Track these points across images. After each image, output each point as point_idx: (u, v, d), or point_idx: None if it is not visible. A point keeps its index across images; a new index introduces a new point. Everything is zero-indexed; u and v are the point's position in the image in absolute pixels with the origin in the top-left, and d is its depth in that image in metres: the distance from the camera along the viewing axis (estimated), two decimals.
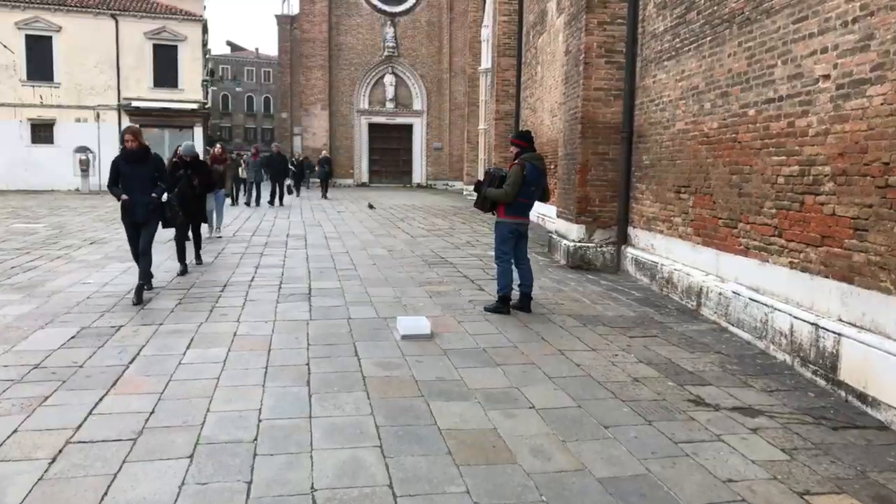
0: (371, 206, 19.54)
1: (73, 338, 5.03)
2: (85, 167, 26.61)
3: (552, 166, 13.83)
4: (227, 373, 4.24)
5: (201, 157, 12.52)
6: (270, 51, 76.07)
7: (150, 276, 6.97)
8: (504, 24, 19.68)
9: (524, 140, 6.56)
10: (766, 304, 5.19)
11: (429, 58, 37.68)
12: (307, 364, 4.45)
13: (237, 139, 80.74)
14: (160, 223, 6.91)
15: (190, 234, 8.78)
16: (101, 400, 3.72)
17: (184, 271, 8.10)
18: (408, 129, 38.45)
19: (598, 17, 9.33)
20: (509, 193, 6.10)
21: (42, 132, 27.59)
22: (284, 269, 8.50)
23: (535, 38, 17.47)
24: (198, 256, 8.96)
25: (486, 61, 28.22)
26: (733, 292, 5.77)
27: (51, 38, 27.04)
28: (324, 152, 38.03)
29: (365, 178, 38.13)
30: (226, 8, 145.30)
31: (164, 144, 29.18)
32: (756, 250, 5.55)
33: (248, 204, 20.17)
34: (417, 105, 38.26)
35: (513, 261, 6.34)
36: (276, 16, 67.66)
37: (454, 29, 37.03)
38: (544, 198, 6.58)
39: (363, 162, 38.10)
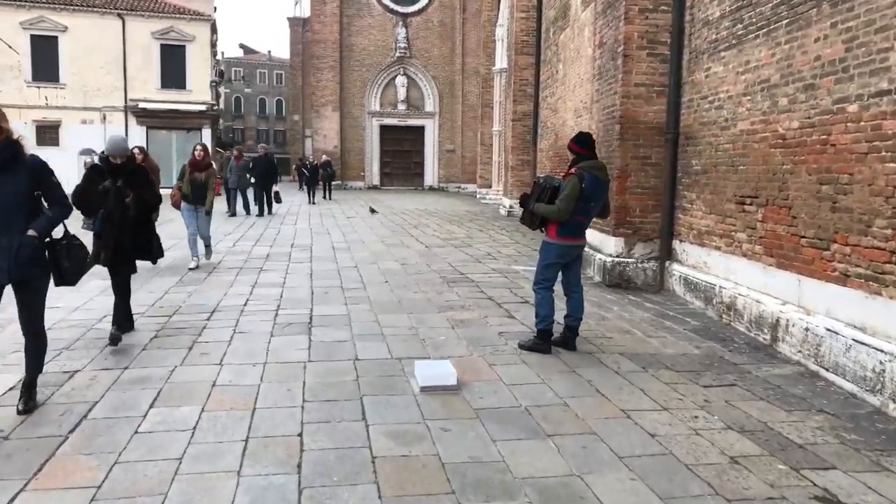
0: (373, 211, 18.51)
1: (10, 389, 4.04)
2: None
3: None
4: (193, 449, 3.23)
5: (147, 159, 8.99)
6: (283, 53, 75.68)
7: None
8: (522, 20, 18.65)
9: (583, 145, 5.31)
10: (880, 350, 4.12)
11: (441, 59, 36.73)
12: (299, 434, 3.43)
13: (249, 141, 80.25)
14: (52, 279, 4.00)
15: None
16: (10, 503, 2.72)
17: (114, 339, 5.09)
18: (420, 131, 37.52)
19: (640, 4, 8.26)
20: (563, 210, 5.01)
21: (47, 134, 26.87)
22: (284, 289, 7.51)
23: (555, 34, 16.42)
24: (128, 318, 5.55)
25: (500, 61, 27.21)
26: (827, 329, 4.70)
27: (56, 38, 26.33)
28: (324, 156, 37.43)
29: (376, 180, 37.22)
30: (238, 11, 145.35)
31: (171, 147, 28.46)
32: (860, 279, 4.49)
33: (231, 214, 17.28)
34: (430, 107, 37.31)
35: (551, 285, 5.29)
36: (289, 18, 67.43)
37: (467, 29, 36.07)
38: (604, 214, 5.51)
39: (374, 164, 37.20)
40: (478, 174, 30.46)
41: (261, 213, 17.66)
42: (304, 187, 36.51)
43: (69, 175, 28.16)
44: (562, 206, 5.02)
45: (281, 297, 7.09)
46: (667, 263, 8.16)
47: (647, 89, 8.27)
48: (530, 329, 5.63)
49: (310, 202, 22.76)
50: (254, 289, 7.51)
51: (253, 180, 18.23)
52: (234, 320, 6.00)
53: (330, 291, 7.41)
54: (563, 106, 15.59)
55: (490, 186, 28.66)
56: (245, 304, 6.69)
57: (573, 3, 14.63)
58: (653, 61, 8.24)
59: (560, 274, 5.31)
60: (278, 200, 18.88)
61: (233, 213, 17.37)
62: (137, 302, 6.27)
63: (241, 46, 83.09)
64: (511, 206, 19.02)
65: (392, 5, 35.96)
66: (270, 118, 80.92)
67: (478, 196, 29.58)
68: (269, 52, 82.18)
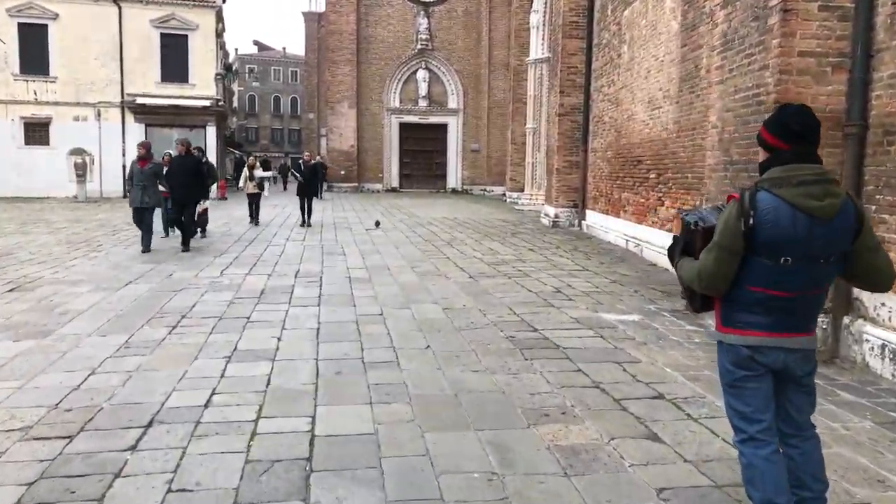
0: (377, 225, 15.21)
1: None
2: (81, 172, 23.41)
3: (667, 183, 9.94)
4: None
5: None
6: (298, 50, 73.46)
7: None
8: None
9: (786, 133, 2.42)
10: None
11: (466, 51, 34.08)
12: None
13: (264, 140, 78.08)
14: None
15: None
16: None
17: None
18: (442, 129, 34.90)
19: None
20: (705, 271, 2.46)
21: (36, 132, 24.58)
22: (275, 365, 4.90)
23: (617, 11, 13.70)
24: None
25: (535, 51, 24.50)
26: None
27: (46, 26, 24.02)
28: (318, 157, 35.73)
29: (395, 182, 34.64)
30: (253, 6, 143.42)
31: (172, 146, 25.99)
32: None
33: (145, 249, 10.65)
34: (453, 103, 34.68)
35: (758, 432, 2.56)
36: (304, 13, 64.94)
37: (494, 19, 33.40)
38: (860, 277, 2.70)
39: (393, 165, 34.62)
40: (508, 176, 27.79)
41: (185, 247, 10.90)
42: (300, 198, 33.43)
43: (58, 176, 25.91)
44: (703, 264, 2.45)
45: (267, 385, 4.46)
46: (848, 321, 5.45)
47: (817, 61, 5.54)
48: (707, 477, 3.01)
49: (303, 223, 15.47)
50: (228, 364, 4.90)
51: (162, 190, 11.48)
52: (176, 450, 3.38)
53: (345, 370, 4.78)
54: (628, 97, 12.87)
55: (522, 190, 25.96)
56: (206, 405, 4.07)
57: None
58: (827, 18, 5.51)
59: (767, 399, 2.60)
60: (203, 225, 12.57)
61: (145, 246, 10.71)
62: (45, 386, 3.70)
63: (255, 43, 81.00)
64: (556, 216, 16.33)
65: None
66: (285, 117, 78.79)
67: (508, 200, 26.90)
68: (284, 48, 79.98)
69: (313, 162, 31.31)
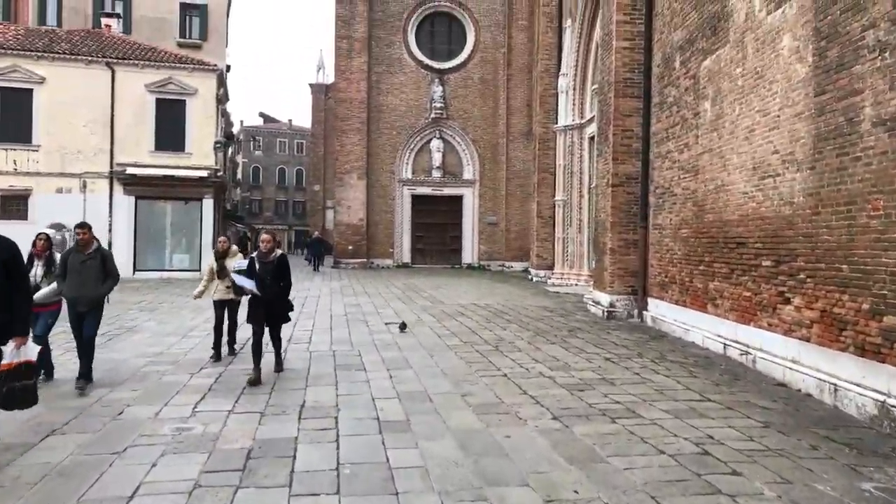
0: (403, 328, 11.26)
1: None
2: (59, 250, 20.78)
3: (796, 274, 6.81)
4: None
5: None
6: (304, 122, 72.73)
7: None
8: (625, 51, 13.71)
9: None
10: None
11: (482, 120, 32.21)
12: None
13: (268, 212, 76.38)
14: None
15: None
16: None
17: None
18: (457, 200, 32.65)
19: None
20: None
21: (14, 205, 22.20)
22: None
23: (688, 63, 11.41)
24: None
25: (564, 117, 22.43)
26: None
27: (31, 91, 21.98)
28: (315, 233, 35.37)
29: (407, 257, 32.11)
30: (260, 78, 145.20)
31: (165, 220, 23.71)
32: None
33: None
34: (468, 173, 32.55)
35: None
36: (311, 84, 64.46)
37: (512, 87, 31.64)
38: None
39: (405, 239, 32.17)
40: (533, 252, 25.22)
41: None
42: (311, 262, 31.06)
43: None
44: None
45: None
46: None
47: None
48: None
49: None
50: None
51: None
52: None
53: None
54: (714, 163, 10.37)
55: (551, 268, 23.37)
56: None
57: (739, 7, 9.62)
58: None
59: None
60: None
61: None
62: None
63: (261, 115, 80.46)
64: (612, 305, 13.61)
65: (427, 61, 31.72)
66: (290, 188, 77.38)
67: (534, 279, 24.27)
68: (290, 120, 79.37)
69: (313, 237, 29.13)
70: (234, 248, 9.11)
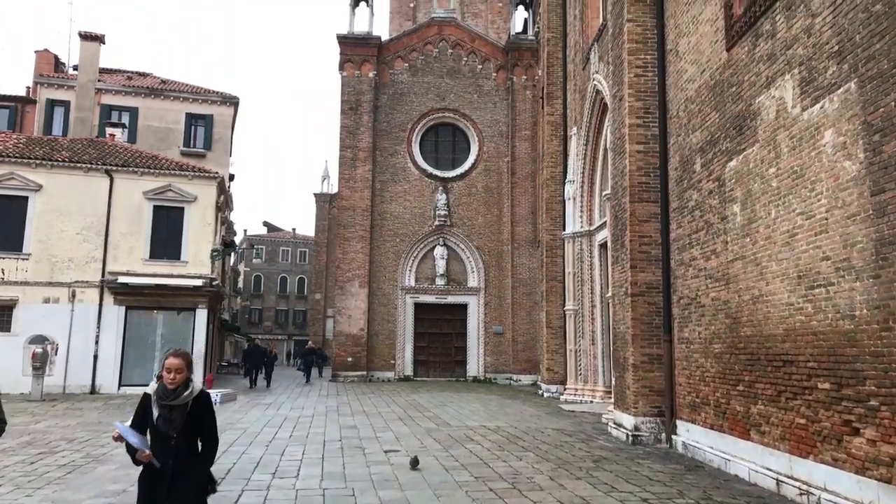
0: (415, 464, 9.45)
1: None
2: (39, 364, 19.55)
3: (865, 400, 5.70)
4: None
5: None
6: (308, 231, 73.10)
7: None
8: (640, 155, 13.11)
9: None
10: None
11: (486, 227, 31.74)
12: None
13: (267, 322, 75.21)
14: None
15: None
16: None
17: None
18: (461, 309, 31.60)
19: None
20: None
21: None
22: None
23: (710, 165, 10.69)
24: None
25: (572, 224, 21.77)
26: None
27: (26, 198, 21.52)
28: (310, 343, 34.47)
29: (409, 370, 30.65)
30: (266, 189, 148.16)
31: (156, 332, 22.61)
32: None
33: None
34: (473, 281, 31.68)
35: None
36: (315, 194, 65.15)
37: (516, 195, 31.42)
38: None
39: (407, 350, 30.85)
40: (544, 366, 23.86)
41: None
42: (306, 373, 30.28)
43: (15, 369, 21.88)
44: None
45: None
46: None
47: None
48: None
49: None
50: None
51: None
52: None
53: None
54: (749, 270, 9.38)
55: (563, 382, 21.95)
56: None
57: (767, 105, 8.97)
58: None
59: None
60: None
61: None
62: None
63: (265, 224, 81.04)
64: (637, 429, 12.22)
65: (431, 169, 31.66)
66: (291, 297, 76.62)
67: (544, 394, 22.78)
68: (294, 229, 79.86)
69: (307, 347, 28.14)
70: (197, 384, 4.66)
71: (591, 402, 19.53)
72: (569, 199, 22.11)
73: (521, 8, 33.20)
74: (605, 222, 18.79)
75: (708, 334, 10.75)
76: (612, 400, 14.86)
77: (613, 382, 14.59)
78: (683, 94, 12.02)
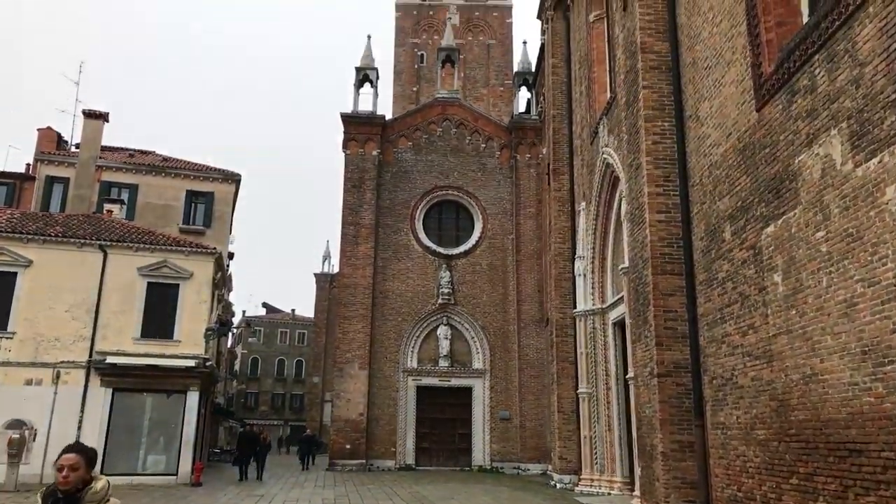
0: None
1: None
2: (15, 451, 18.17)
3: None
4: None
5: None
6: (308, 311, 71.96)
7: None
8: (661, 225, 12.38)
9: None
10: None
11: (491, 306, 30.76)
12: None
13: (263, 406, 72.88)
14: None
15: None
16: None
17: None
18: (466, 393, 30.18)
19: None
20: None
21: None
22: None
23: (743, 232, 9.91)
24: None
25: (584, 301, 20.81)
26: None
27: (15, 274, 20.69)
28: (307, 430, 34.80)
29: (410, 458, 28.93)
30: (267, 270, 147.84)
31: (144, 414, 21.30)
32: None
33: None
34: (478, 363, 30.42)
35: None
36: (316, 274, 64.49)
37: (521, 272, 30.65)
38: None
39: (409, 437, 29.23)
40: (555, 453, 22.34)
41: None
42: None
43: None
44: None
45: None
46: None
47: None
48: None
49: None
50: None
51: None
52: None
53: None
54: (797, 346, 8.40)
55: (577, 472, 20.43)
56: None
57: (810, 164, 8.26)
58: None
59: None
60: None
61: None
62: None
63: (264, 305, 79.84)
64: None
65: (434, 246, 31.01)
66: (288, 381, 74.59)
67: (557, 484, 21.18)
68: (293, 310, 78.61)
69: (304, 434, 26.87)
70: (102, 483, 3.76)
71: (609, 493, 18.02)
72: (579, 275, 21.27)
73: (523, 89, 33.50)
74: (619, 299, 17.89)
75: (748, 419, 9.66)
76: (635, 492, 13.52)
77: (639, 472, 13.29)
78: (707, 160, 11.40)
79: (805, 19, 9.04)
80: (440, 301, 30.14)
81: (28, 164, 29.94)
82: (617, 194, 18.13)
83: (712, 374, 10.99)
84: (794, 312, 8.52)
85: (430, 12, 42.30)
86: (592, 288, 20.60)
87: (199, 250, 22.06)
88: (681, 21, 12.59)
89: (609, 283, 19.94)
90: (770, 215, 9.16)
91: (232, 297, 51.19)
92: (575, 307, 21.53)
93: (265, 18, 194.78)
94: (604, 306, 20.08)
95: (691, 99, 12.15)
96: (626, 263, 14.82)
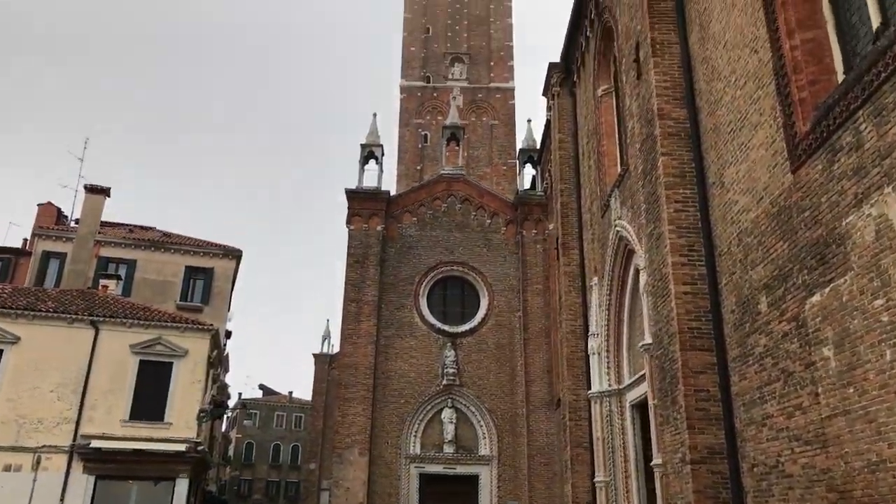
0: None
1: None
2: None
3: None
4: None
5: None
6: (306, 394, 70.04)
7: None
8: (687, 297, 11.60)
9: None
10: None
11: (498, 388, 29.50)
12: None
13: (257, 494, 69.78)
14: None
15: None
16: None
17: None
18: (472, 481, 28.48)
19: None
20: None
21: None
22: None
23: (783, 303, 9.13)
24: None
25: (599, 382, 19.74)
26: None
27: (0, 351, 19.72)
28: None
29: None
30: (264, 352, 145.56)
31: None
32: None
33: None
34: (484, 449, 28.88)
35: None
36: (315, 355, 62.81)
37: (530, 352, 29.55)
38: None
39: None
40: None
41: None
42: None
43: None
44: None
45: None
46: None
47: None
48: None
49: None
50: None
51: None
52: None
53: None
54: (858, 430, 7.43)
55: None
56: None
57: (860, 225, 7.57)
58: None
59: None
60: None
61: None
62: None
63: (261, 387, 77.84)
64: None
65: (439, 324, 30.06)
66: (284, 467, 71.75)
67: None
68: (290, 392, 76.51)
69: None
70: None
71: None
72: (593, 354, 20.28)
73: (528, 166, 33.45)
74: (638, 378, 16.89)
75: None
76: None
77: None
78: (735, 228, 10.75)
79: (840, 77, 8.59)
80: (445, 382, 28.92)
81: (25, 240, 29.48)
82: (631, 268, 17.48)
83: (752, 461, 9.94)
84: (851, 391, 7.63)
85: (434, 94, 42.99)
86: (608, 367, 19.57)
87: (195, 326, 21.17)
88: (699, 87, 12.25)
89: (625, 362, 18.93)
90: (815, 283, 8.41)
91: (228, 379, 49.72)
92: (589, 388, 20.43)
93: (273, 87, 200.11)
94: (620, 387, 19.00)
95: (714, 165, 11.64)
96: (647, 340, 13.96)
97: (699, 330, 11.39)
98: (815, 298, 8.39)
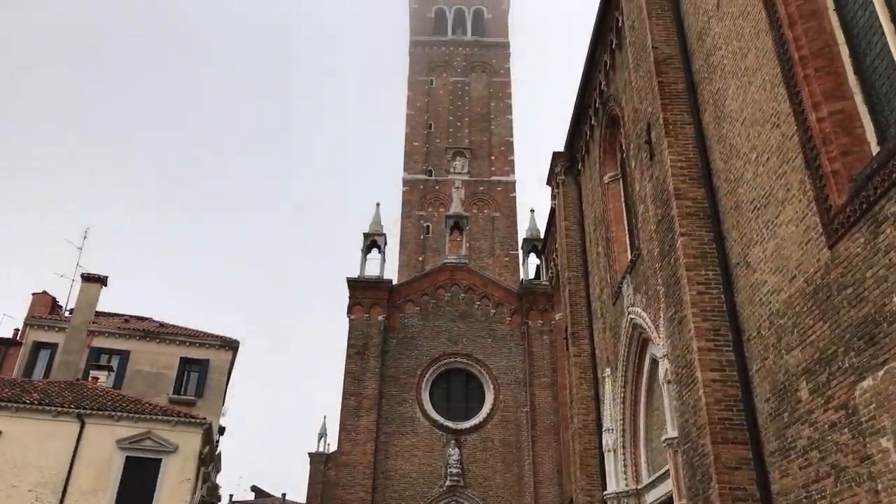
0: None
1: None
2: None
3: None
4: None
5: None
6: (299, 496, 66.55)
7: None
8: (715, 384, 10.80)
9: None
10: None
11: (505, 489, 27.89)
12: None
13: None
14: None
15: None
16: None
17: None
18: None
19: None
20: None
21: None
22: None
23: (832, 388, 8.37)
24: None
25: (616, 482, 18.45)
26: None
27: None
28: None
29: None
30: (258, 448, 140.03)
31: None
32: None
33: None
34: None
35: None
36: (310, 454, 60.32)
37: (538, 450, 28.15)
38: None
39: None
40: None
41: None
42: None
43: None
44: None
45: None
46: None
47: None
48: None
49: None
50: None
51: None
52: None
53: None
54: None
55: None
56: None
57: None
58: None
59: None
60: None
61: None
62: None
63: (254, 489, 74.20)
64: None
65: (442, 420, 28.77)
66: None
67: None
68: (284, 495, 72.80)
69: None
70: None
71: None
72: (608, 451, 19.06)
73: (532, 256, 33.16)
74: (659, 477, 15.72)
75: None
76: None
77: None
78: (766, 310, 10.11)
79: (874, 146, 8.24)
80: (448, 483, 27.33)
81: (16, 330, 28.67)
82: (647, 358, 16.70)
83: None
84: None
85: (436, 187, 43.42)
86: (625, 465, 18.35)
87: (186, 419, 20.05)
88: (716, 166, 11.96)
89: (643, 460, 17.74)
90: (865, 366, 7.69)
91: (220, 479, 47.32)
92: (605, 489, 19.10)
93: (277, 176, 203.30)
94: (639, 486, 17.71)
95: (737, 245, 11.15)
96: (671, 433, 13.02)
97: (731, 421, 10.52)
98: (867, 383, 7.64)
